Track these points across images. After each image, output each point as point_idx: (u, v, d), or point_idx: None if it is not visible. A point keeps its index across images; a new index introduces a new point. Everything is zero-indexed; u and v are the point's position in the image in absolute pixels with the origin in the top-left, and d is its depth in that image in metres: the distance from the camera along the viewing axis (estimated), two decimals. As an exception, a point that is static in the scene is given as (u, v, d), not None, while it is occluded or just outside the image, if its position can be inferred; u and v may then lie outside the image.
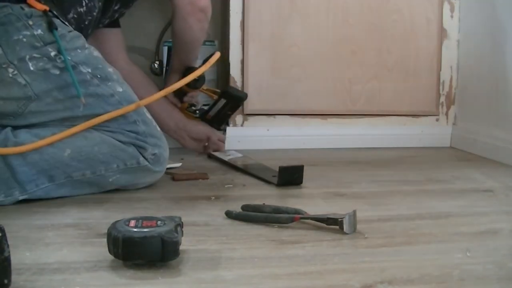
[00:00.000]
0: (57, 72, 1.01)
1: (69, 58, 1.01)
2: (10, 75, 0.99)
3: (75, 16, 1.11)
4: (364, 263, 0.71)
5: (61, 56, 1.00)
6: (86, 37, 1.14)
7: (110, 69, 1.08)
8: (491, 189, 1.14)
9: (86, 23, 1.14)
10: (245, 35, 1.60)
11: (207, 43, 1.67)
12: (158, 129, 1.10)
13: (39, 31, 1.00)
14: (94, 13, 1.15)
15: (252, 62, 1.61)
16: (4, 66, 0.99)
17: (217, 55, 1.29)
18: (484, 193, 1.11)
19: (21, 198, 0.97)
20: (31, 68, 0.99)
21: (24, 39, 0.99)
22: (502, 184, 1.20)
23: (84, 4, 1.12)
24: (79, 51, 1.04)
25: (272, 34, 1.62)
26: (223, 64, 1.70)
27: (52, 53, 1.00)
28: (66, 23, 1.07)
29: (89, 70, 1.04)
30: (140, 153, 1.05)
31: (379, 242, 0.79)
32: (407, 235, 0.83)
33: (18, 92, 1.00)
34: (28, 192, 0.97)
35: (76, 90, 1.00)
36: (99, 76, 1.04)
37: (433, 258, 0.73)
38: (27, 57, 0.99)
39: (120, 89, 1.06)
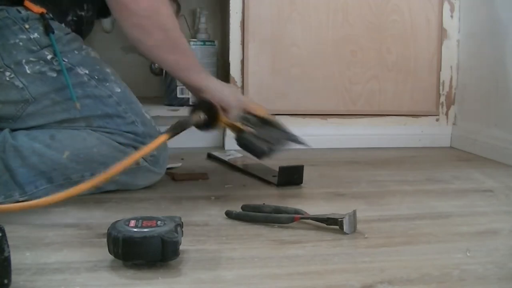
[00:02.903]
0: (54, 74, 1.01)
1: (66, 60, 1.02)
2: (7, 79, 0.99)
3: (75, 18, 1.10)
4: (364, 263, 0.71)
5: (57, 59, 1.00)
6: (84, 38, 1.13)
7: (108, 70, 1.08)
8: (491, 189, 1.14)
9: (85, 26, 1.14)
10: (245, 35, 1.60)
11: (207, 43, 1.67)
12: (158, 129, 1.10)
13: (36, 35, 1.00)
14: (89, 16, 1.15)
15: (252, 62, 1.61)
16: (1, 70, 0.99)
17: (162, 138, 0.96)
18: (484, 193, 1.11)
19: (21, 200, 0.97)
20: (28, 71, 1.00)
21: (21, 43, 0.99)
22: (502, 184, 1.20)
23: (85, 8, 1.12)
24: (76, 52, 1.04)
25: (272, 34, 1.62)
26: (223, 64, 1.71)
27: (49, 56, 1.01)
28: (64, 25, 1.06)
29: (87, 72, 1.04)
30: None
31: (379, 242, 0.79)
32: (407, 235, 0.83)
33: (15, 95, 1.00)
34: (27, 193, 0.97)
35: (71, 94, 1.00)
36: (96, 77, 1.04)
37: (433, 258, 0.73)
38: (24, 60, 0.99)
39: (118, 90, 1.06)
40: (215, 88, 1.04)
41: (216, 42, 1.70)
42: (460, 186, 1.18)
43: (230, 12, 1.59)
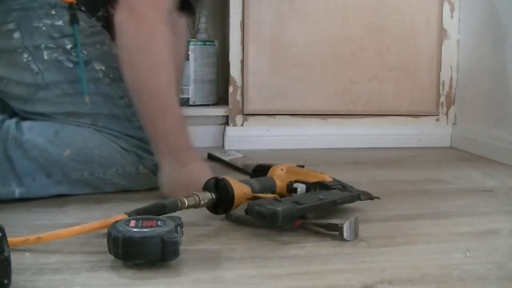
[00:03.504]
0: (70, 65, 1.01)
1: (85, 53, 1.01)
2: (24, 60, 1.00)
3: (105, 14, 1.07)
4: (364, 263, 0.71)
5: (76, 50, 1.00)
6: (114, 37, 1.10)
7: None
8: (491, 189, 1.14)
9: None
10: (245, 35, 1.60)
11: (207, 43, 1.67)
12: None
13: (60, 22, 1.00)
14: None
15: (252, 62, 1.61)
16: (19, 50, 1.00)
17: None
18: (484, 193, 1.11)
19: (18, 192, 0.97)
20: (45, 57, 1.00)
21: (44, 28, 1.00)
22: (502, 184, 1.20)
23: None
24: (97, 46, 1.04)
25: (272, 34, 1.62)
26: (223, 64, 1.71)
27: (68, 46, 1.01)
28: (94, 19, 1.05)
29: (103, 68, 1.03)
30: (141, 162, 1.05)
31: (379, 242, 0.79)
32: (407, 235, 0.83)
33: (29, 78, 1.01)
34: (25, 185, 0.97)
35: (82, 87, 1.00)
36: (111, 75, 1.04)
37: (433, 258, 0.73)
38: (43, 45, 1.00)
39: None
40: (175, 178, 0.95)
41: (216, 42, 1.70)
42: (460, 186, 1.18)
43: (230, 12, 1.59)
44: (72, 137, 1.01)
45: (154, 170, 1.05)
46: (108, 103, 1.03)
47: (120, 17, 0.94)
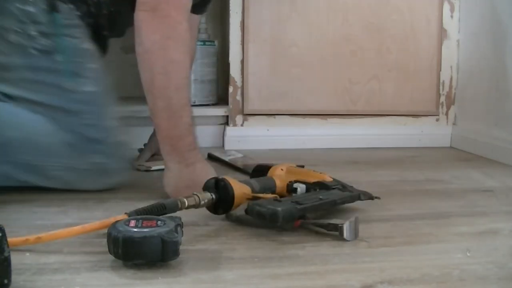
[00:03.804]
0: (33, 52, 1.01)
1: (50, 42, 1.00)
2: None
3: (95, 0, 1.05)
4: (364, 263, 0.71)
5: (41, 39, 1.00)
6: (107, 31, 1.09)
7: (91, 65, 1.05)
8: (491, 189, 1.14)
9: (105, 15, 1.07)
10: (245, 35, 1.60)
11: (207, 43, 1.67)
12: (118, 138, 1.05)
13: (32, 9, 1.00)
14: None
15: (252, 62, 1.61)
16: None
17: None
18: (484, 193, 1.11)
19: None
20: (11, 40, 1.00)
21: (15, 11, 1.00)
22: (502, 184, 1.20)
23: None
24: (66, 38, 1.02)
25: (272, 34, 1.62)
26: (223, 64, 1.71)
27: (32, 33, 1.00)
28: (79, 2, 1.03)
29: (63, 61, 1.02)
30: (86, 159, 1.03)
31: (379, 242, 0.79)
32: (407, 235, 0.83)
33: None
34: None
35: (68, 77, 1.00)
36: (71, 69, 1.02)
37: (433, 258, 0.73)
38: (10, 28, 1.00)
39: (90, 89, 1.03)
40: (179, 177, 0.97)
41: (216, 42, 1.70)
42: (460, 186, 1.18)
43: (230, 12, 1.59)
44: (24, 120, 1.00)
45: (94, 169, 1.03)
46: (61, 96, 1.02)
47: (142, 15, 0.94)
